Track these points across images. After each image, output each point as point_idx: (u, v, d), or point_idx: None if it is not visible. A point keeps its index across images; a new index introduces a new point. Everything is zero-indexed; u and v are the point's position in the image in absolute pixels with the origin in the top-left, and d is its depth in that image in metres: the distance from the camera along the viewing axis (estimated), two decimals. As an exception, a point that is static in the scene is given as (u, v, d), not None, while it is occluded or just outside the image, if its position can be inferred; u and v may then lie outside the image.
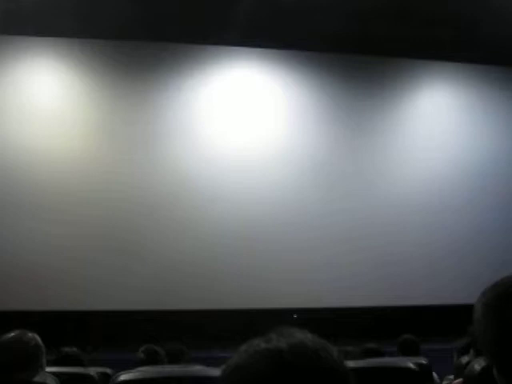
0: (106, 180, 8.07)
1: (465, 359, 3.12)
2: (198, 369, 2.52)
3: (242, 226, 8.15)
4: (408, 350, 4.44)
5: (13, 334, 2.50)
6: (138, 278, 7.73)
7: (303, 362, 0.79)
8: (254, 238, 8.15)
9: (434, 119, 9.14)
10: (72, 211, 7.83)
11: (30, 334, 2.53)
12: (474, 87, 9.26)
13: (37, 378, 2.34)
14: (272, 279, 7.99)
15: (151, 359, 3.92)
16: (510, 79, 9.33)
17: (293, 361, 0.79)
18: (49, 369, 2.69)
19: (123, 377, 2.18)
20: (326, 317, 7.33)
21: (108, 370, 3.69)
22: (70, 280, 7.60)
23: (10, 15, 7.46)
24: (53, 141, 8.05)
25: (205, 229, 8.05)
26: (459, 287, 8.30)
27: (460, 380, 2.36)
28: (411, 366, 2.37)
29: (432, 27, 8.03)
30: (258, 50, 8.65)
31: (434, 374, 3.85)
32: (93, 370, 3.14)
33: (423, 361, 3.43)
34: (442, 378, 3.96)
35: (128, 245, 7.85)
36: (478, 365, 2.19)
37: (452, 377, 3.38)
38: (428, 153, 8.94)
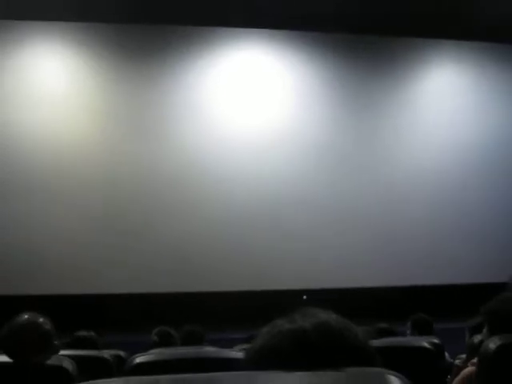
0: (113, 162, 8.10)
1: (477, 338, 3.11)
2: (213, 350, 2.53)
3: (248, 207, 8.16)
4: (421, 330, 4.45)
5: (26, 316, 2.51)
6: (147, 260, 7.77)
7: (327, 342, 0.79)
8: (261, 219, 8.16)
9: (442, 98, 9.08)
10: (80, 194, 7.87)
11: (41, 317, 2.54)
12: (481, 66, 9.18)
13: (52, 361, 2.35)
14: (281, 260, 8.02)
15: (165, 341, 3.94)
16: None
17: (317, 341, 0.78)
18: (63, 351, 2.70)
19: (139, 359, 2.19)
20: (335, 297, 7.35)
21: (121, 353, 3.70)
22: (81, 263, 7.65)
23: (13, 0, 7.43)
24: (58, 125, 8.08)
25: (212, 209, 8.07)
26: (466, 266, 8.31)
27: (475, 361, 2.35)
28: (426, 345, 2.37)
29: (438, 5, 7.93)
30: (264, 30, 8.59)
31: (446, 354, 3.86)
32: (107, 353, 3.15)
33: (436, 340, 3.43)
34: (452, 358, 3.96)
35: (138, 227, 7.89)
36: (493, 343, 2.18)
37: (464, 356, 3.38)
38: (436, 132, 8.89)
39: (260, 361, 0.81)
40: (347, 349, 0.79)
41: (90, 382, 0.73)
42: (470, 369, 2.34)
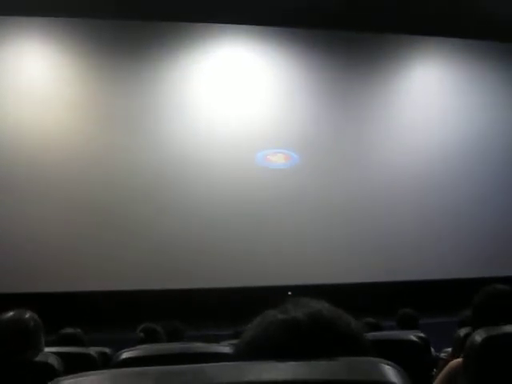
0: (101, 158, 8.09)
1: (463, 331, 3.13)
2: (199, 345, 2.51)
3: (234, 203, 8.16)
4: (407, 324, 4.47)
5: (11, 313, 2.47)
6: (132, 257, 7.73)
7: (320, 332, 0.78)
8: (248, 214, 8.17)
9: (428, 95, 9.15)
10: (69, 190, 7.84)
11: (28, 314, 2.51)
12: (467, 63, 9.27)
13: (38, 358, 2.32)
14: (266, 256, 8.02)
15: (151, 338, 3.92)
16: (499, 53, 9.33)
17: (310, 331, 0.77)
18: (49, 349, 2.67)
19: (125, 355, 2.17)
20: (321, 293, 7.34)
21: (107, 350, 3.68)
22: (66, 261, 7.61)
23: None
24: (46, 121, 8.02)
25: (196, 206, 8.06)
26: (456, 261, 8.37)
27: (459, 360, 2.36)
28: (413, 338, 2.38)
29: (425, 2, 7.97)
30: (248, 27, 8.59)
31: (431, 348, 3.88)
32: (92, 350, 3.13)
33: (421, 334, 3.44)
34: (438, 352, 3.99)
35: (124, 223, 7.86)
36: (479, 336, 2.18)
37: (450, 349, 3.39)
38: (423, 128, 8.95)
39: (252, 352, 0.79)
40: (340, 338, 0.78)
41: (78, 374, 0.71)
42: (456, 360, 2.35)
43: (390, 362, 0.70)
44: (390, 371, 0.68)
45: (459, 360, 2.32)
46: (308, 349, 0.74)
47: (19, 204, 7.67)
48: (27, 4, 7.60)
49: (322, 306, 0.83)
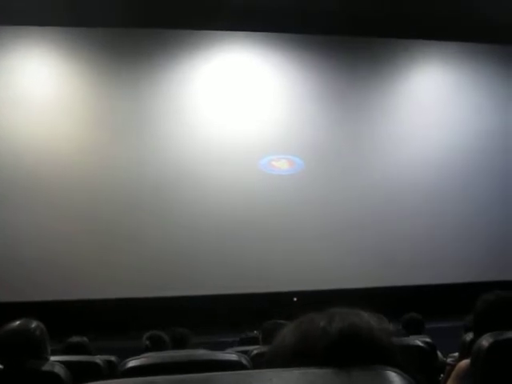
0: (101, 166, 8.08)
1: (469, 336, 3.12)
2: (205, 353, 2.51)
3: (238, 210, 8.15)
4: (412, 329, 4.45)
5: (18, 322, 2.48)
6: (138, 265, 7.74)
7: (357, 344, 0.78)
8: (251, 222, 8.16)
9: (429, 99, 9.13)
10: (68, 198, 7.84)
11: (34, 323, 2.52)
12: (466, 66, 9.26)
13: (44, 367, 2.33)
14: (269, 262, 8.01)
15: (156, 346, 3.92)
16: (499, 56, 9.33)
17: (347, 342, 0.78)
18: (55, 357, 2.68)
19: (132, 363, 2.17)
20: (327, 299, 7.33)
21: (113, 358, 3.68)
22: (70, 269, 7.62)
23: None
24: (46, 128, 8.04)
25: (201, 213, 8.06)
26: (463, 266, 8.35)
27: (467, 361, 2.35)
28: (420, 343, 2.37)
29: (423, 6, 7.98)
30: (250, 33, 8.61)
31: (438, 352, 3.87)
32: (98, 358, 3.13)
33: (428, 339, 3.43)
34: (445, 356, 3.97)
35: (130, 231, 7.87)
36: (486, 341, 2.18)
37: (456, 354, 3.38)
38: (422, 133, 8.94)
39: (289, 359, 0.79)
40: (374, 350, 0.79)
41: (86, 384, 0.71)
42: (465, 361, 2.34)
43: (396, 370, 0.70)
44: (396, 379, 0.69)
45: (467, 361, 2.31)
46: (342, 359, 0.74)
47: (21, 212, 7.68)
48: (30, 14, 7.62)
49: (358, 315, 0.83)
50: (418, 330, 4.45)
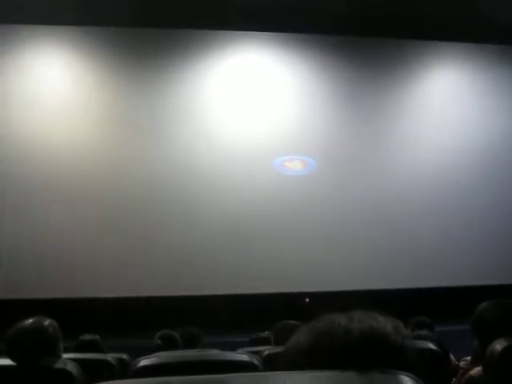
0: (114, 165, 8.11)
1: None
2: (216, 353, 2.52)
3: (250, 210, 8.15)
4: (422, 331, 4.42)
5: (31, 320, 2.50)
6: (150, 264, 7.76)
7: (373, 345, 0.78)
8: (262, 222, 8.15)
9: (444, 100, 9.09)
10: (80, 197, 7.88)
11: (48, 320, 2.53)
12: (482, 68, 9.20)
13: (57, 365, 2.34)
14: (281, 263, 7.99)
15: (168, 345, 3.93)
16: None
17: (365, 345, 0.78)
18: (67, 355, 2.69)
19: (143, 362, 2.18)
20: (338, 300, 7.32)
21: (125, 356, 3.68)
22: (84, 267, 7.65)
23: (13, 4, 7.46)
24: (60, 127, 8.09)
25: (213, 213, 8.06)
26: (476, 268, 8.29)
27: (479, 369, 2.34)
28: (432, 346, 2.36)
29: (438, 7, 7.95)
30: (262, 33, 8.61)
31: (451, 356, 3.84)
32: (110, 356, 3.14)
33: (439, 342, 3.40)
34: (458, 360, 3.94)
35: (140, 231, 7.88)
36: (499, 345, 2.16)
37: (469, 358, 3.36)
38: (436, 135, 8.89)
39: (306, 361, 0.79)
40: (390, 352, 0.79)
41: (100, 384, 0.72)
42: (477, 369, 2.33)
43: (410, 374, 0.70)
44: (408, 383, 0.68)
45: (479, 368, 2.30)
46: (359, 361, 0.74)
47: (36, 211, 7.73)
48: (45, 13, 7.68)
49: (374, 317, 0.83)
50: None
